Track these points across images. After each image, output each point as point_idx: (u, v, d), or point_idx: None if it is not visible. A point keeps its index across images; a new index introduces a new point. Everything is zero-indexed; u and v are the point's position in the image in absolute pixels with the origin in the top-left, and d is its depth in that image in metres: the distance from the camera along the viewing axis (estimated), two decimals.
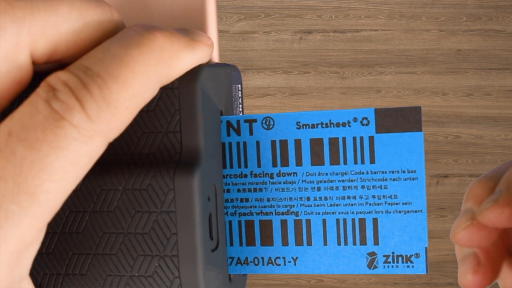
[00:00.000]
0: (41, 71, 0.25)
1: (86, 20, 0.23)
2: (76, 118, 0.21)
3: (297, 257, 0.26)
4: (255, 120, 0.26)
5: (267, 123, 0.26)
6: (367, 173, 0.25)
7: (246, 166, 0.26)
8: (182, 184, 0.23)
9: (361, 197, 0.25)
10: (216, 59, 0.26)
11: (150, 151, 0.24)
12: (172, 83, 0.24)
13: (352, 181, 0.25)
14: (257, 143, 0.26)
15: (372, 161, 0.25)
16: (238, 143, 0.26)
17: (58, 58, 0.23)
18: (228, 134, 0.26)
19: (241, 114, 0.27)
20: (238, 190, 0.26)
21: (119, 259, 0.24)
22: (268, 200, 0.26)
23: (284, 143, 0.26)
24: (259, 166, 0.26)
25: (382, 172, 0.25)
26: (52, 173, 0.20)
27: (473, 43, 1.90)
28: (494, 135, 1.91)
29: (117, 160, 0.24)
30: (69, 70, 0.21)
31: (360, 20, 1.90)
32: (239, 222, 0.26)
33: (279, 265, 0.26)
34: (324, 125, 0.25)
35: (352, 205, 0.25)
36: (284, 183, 0.26)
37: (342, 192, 0.25)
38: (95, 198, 0.24)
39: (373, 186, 0.25)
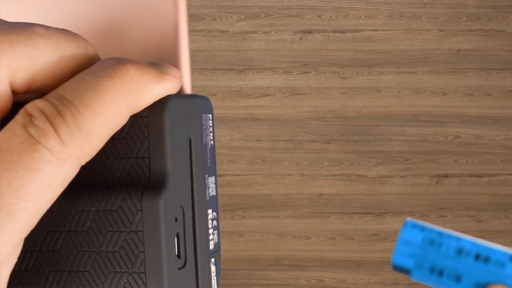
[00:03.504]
0: (21, 101, 0.27)
1: (63, 53, 0.24)
2: (50, 142, 0.22)
3: None
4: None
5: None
6: None
7: None
8: (149, 205, 0.25)
9: None
10: (188, 90, 0.28)
11: (121, 175, 0.26)
12: (142, 112, 0.26)
13: None
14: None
15: None
16: None
17: (36, 88, 0.25)
18: None
19: (211, 143, 0.29)
20: None
21: (92, 276, 0.25)
22: None
23: None
24: None
25: None
26: (28, 192, 0.22)
27: (473, 43, 1.90)
28: (494, 135, 1.90)
29: (91, 183, 0.26)
30: (45, 99, 0.23)
31: (360, 20, 1.90)
32: None
33: None
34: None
35: None
36: None
37: None
38: (70, 219, 0.26)
39: None
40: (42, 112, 0.23)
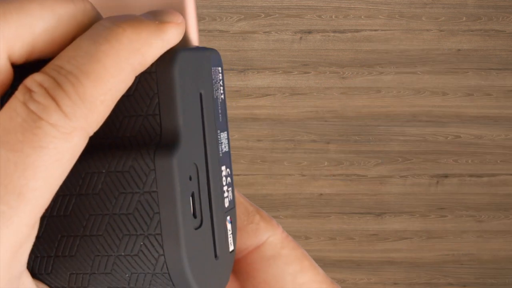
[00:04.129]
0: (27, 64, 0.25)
1: (60, 17, 0.23)
2: (53, 117, 0.21)
3: None
4: None
5: None
6: None
7: None
8: (162, 164, 0.24)
9: None
10: (195, 42, 0.27)
11: (131, 134, 0.25)
12: (150, 67, 0.25)
13: None
14: None
15: None
16: None
17: (37, 56, 0.24)
18: None
19: (222, 97, 0.28)
20: None
21: (106, 240, 0.25)
22: None
23: None
24: None
25: None
26: (36, 171, 0.21)
27: (473, 43, 1.90)
28: (494, 135, 1.91)
29: (100, 144, 0.25)
30: (43, 71, 0.22)
31: (360, 20, 1.90)
32: None
33: None
34: None
35: None
36: None
37: None
38: (81, 182, 0.25)
39: None
40: (41, 86, 0.22)
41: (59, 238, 0.25)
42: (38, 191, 0.21)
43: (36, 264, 0.25)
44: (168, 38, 0.24)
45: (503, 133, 1.90)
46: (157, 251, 0.24)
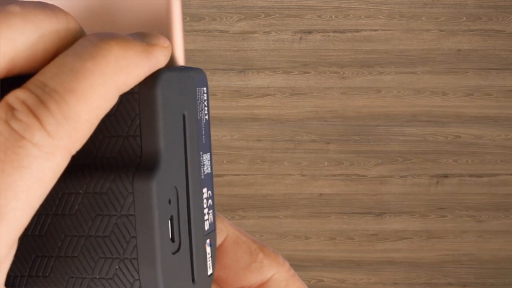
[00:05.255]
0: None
1: (42, 32, 0.22)
2: (36, 136, 0.21)
3: None
4: None
5: None
6: None
7: None
8: (140, 188, 0.23)
9: None
10: (181, 62, 0.26)
11: (111, 154, 0.24)
12: (132, 88, 0.24)
13: None
14: None
15: None
16: None
17: (17, 72, 0.23)
18: None
19: (206, 118, 0.27)
20: None
21: (81, 262, 0.24)
22: None
23: None
24: None
25: None
26: (18, 191, 0.21)
27: (473, 43, 1.90)
28: (494, 135, 1.90)
29: (78, 164, 0.25)
30: (26, 88, 0.21)
31: (360, 20, 1.90)
32: None
33: None
34: None
35: None
36: None
37: None
38: (57, 202, 0.24)
39: None
40: (24, 103, 0.21)
41: (33, 258, 0.25)
42: (19, 211, 0.21)
43: (9, 283, 0.25)
44: (155, 60, 0.24)
45: (503, 133, 1.90)
46: (132, 276, 0.24)
